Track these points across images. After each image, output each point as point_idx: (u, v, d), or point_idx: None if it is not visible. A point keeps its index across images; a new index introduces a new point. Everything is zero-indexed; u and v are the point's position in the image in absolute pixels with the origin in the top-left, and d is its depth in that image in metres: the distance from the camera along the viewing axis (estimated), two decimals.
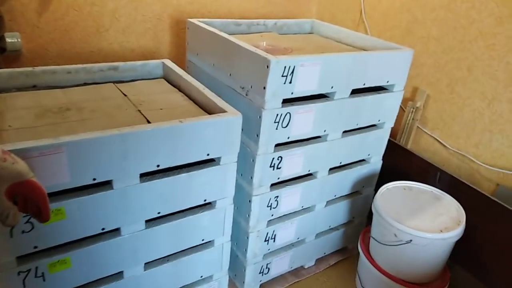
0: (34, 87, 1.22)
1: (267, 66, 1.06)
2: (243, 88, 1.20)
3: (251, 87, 1.15)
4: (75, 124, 1.02)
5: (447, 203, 1.39)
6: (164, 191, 1.03)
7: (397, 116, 1.73)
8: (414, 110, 1.64)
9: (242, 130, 1.21)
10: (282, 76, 1.10)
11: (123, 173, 0.94)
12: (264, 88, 1.09)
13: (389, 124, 1.50)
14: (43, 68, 1.23)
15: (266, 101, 1.11)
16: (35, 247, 0.89)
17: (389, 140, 1.59)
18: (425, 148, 1.66)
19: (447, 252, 1.31)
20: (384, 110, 1.44)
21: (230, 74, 1.25)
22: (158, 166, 0.99)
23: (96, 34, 1.58)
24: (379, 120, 1.45)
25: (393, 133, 1.76)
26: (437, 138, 1.61)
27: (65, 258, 0.95)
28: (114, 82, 1.33)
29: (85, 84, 1.29)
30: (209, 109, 1.16)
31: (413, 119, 1.65)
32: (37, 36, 1.47)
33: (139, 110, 1.13)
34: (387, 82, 1.38)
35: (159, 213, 1.06)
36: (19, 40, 1.42)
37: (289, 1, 2.00)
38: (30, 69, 1.21)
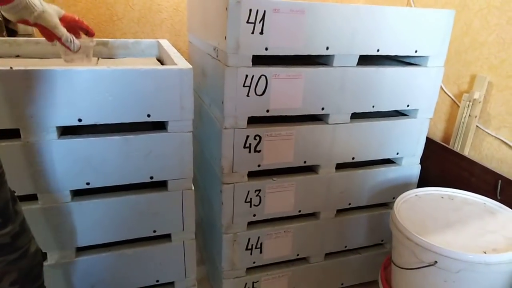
0: (18, 57, 1.19)
1: (226, 8, 0.85)
2: (215, 49, 0.99)
3: (219, 43, 0.95)
4: None
5: (505, 219, 0.95)
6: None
7: (450, 113, 1.34)
8: (471, 104, 1.24)
9: (215, 103, 1.00)
10: (248, 22, 0.87)
11: None
12: (225, 38, 0.88)
13: (425, 113, 1.13)
14: (26, 38, 1.19)
15: (228, 55, 0.88)
16: None
17: (438, 145, 1.21)
18: (489, 155, 1.22)
19: None
20: (415, 92, 1.09)
21: (207, 37, 1.06)
22: (80, 120, 0.83)
23: (109, 23, 1.54)
24: (408, 106, 1.10)
25: (445, 136, 1.37)
26: (505, 140, 1.17)
27: None
28: (102, 58, 1.24)
29: None
30: None
31: (469, 115, 1.25)
32: None
33: None
34: (416, 52, 1.05)
35: None
36: None
37: None
38: (13, 38, 1.18)
